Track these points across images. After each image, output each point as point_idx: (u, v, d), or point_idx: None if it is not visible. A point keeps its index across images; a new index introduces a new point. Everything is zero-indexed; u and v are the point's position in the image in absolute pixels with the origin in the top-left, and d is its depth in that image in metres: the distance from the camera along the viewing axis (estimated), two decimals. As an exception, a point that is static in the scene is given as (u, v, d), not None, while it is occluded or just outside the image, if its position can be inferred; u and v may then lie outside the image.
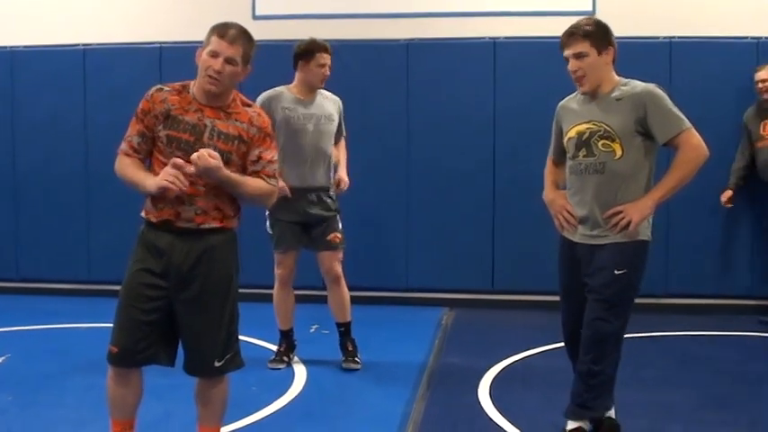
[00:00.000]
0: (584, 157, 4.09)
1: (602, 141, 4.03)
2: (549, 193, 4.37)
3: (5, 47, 8.16)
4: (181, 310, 3.59)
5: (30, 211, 8.22)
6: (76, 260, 8.15)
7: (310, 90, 5.60)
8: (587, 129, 4.08)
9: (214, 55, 3.50)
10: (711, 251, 7.50)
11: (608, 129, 4.02)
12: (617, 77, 4.13)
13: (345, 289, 5.72)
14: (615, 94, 4.05)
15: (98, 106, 7.96)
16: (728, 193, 7.16)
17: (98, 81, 7.99)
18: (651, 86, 4.05)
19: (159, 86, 3.64)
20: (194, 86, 3.61)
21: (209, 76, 3.51)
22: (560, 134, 4.30)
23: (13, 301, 7.95)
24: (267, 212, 5.58)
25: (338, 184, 5.72)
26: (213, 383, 3.71)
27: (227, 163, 3.53)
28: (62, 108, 8.07)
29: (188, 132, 3.53)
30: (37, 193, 8.19)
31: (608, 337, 4.04)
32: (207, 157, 3.43)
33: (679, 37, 7.42)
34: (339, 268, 5.66)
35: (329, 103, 5.67)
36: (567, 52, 4.08)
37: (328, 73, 5.57)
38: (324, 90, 5.69)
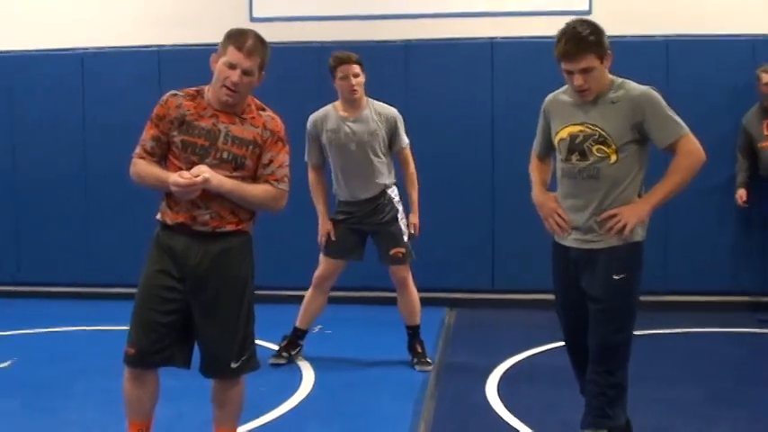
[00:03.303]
0: (577, 161, 3.89)
1: (596, 146, 3.86)
2: (538, 196, 4.18)
3: (4, 51, 8.14)
4: (197, 311, 3.62)
5: (29, 214, 8.21)
6: (75, 262, 8.14)
7: (351, 104, 5.57)
8: (580, 131, 3.89)
9: (231, 66, 3.50)
10: (710, 248, 7.53)
11: (603, 133, 3.85)
12: (610, 76, 3.91)
13: (414, 293, 5.74)
14: (611, 95, 3.85)
15: (97, 109, 7.95)
16: (743, 191, 7.13)
17: (96, 84, 7.97)
18: (648, 90, 3.89)
19: (174, 92, 3.65)
20: (209, 92, 3.62)
21: (227, 87, 3.52)
22: (548, 129, 4.14)
23: (13, 305, 7.93)
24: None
25: (414, 231, 5.75)
26: (230, 385, 3.74)
27: (240, 167, 3.57)
28: (61, 111, 8.06)
29: (203, 137, 3.56)
30: (36, 196, 8.17)
31: (620, 346, 3.90)
32: (201, 170, 3.45)
33: (675, 36, 7.47)
34: (405, 274, 5.69)
35: (376, 117, 5.60)
36: (570, 66, 3.80)
37: (355, 82, 5.49)
38: (377, 102, 5.66)
